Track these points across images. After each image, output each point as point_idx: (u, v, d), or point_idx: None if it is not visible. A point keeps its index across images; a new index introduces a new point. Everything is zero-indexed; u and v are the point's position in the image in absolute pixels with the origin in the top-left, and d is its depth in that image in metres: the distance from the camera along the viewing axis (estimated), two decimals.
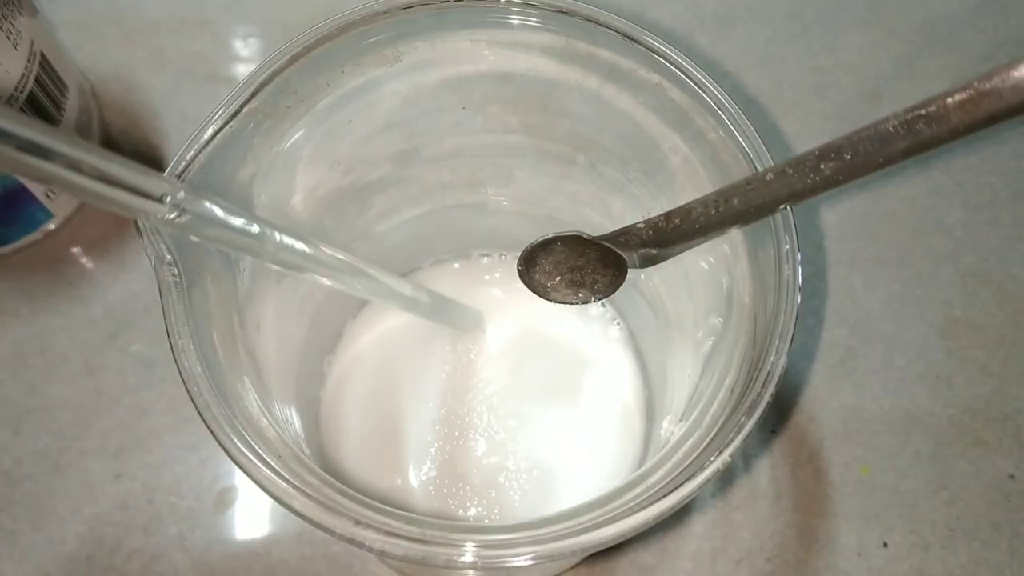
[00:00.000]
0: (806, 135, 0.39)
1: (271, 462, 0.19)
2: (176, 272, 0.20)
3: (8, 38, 0.30)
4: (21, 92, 0.31)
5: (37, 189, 0.34)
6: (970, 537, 0.32)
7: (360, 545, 0.18)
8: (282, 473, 0.19)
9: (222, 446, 0.19)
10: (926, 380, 0.34)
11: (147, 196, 0.17)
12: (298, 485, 0.19)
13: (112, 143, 0.38)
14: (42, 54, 0.32)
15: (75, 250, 0.36)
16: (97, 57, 0.40)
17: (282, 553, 0.31)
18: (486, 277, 0.34)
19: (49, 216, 0.35)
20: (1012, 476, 0.33)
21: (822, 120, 0.40)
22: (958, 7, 0.43)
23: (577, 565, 0.31)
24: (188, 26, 0.41)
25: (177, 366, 0.20)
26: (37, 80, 0.32)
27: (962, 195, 0.38)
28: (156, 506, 0.31)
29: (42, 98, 0.32)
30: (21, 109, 0.31)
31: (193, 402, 0.19)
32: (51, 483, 0.32)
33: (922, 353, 0.35)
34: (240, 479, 0.32)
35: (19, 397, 0.33)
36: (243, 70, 0.40)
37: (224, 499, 0.32)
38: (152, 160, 0.38)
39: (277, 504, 0.31)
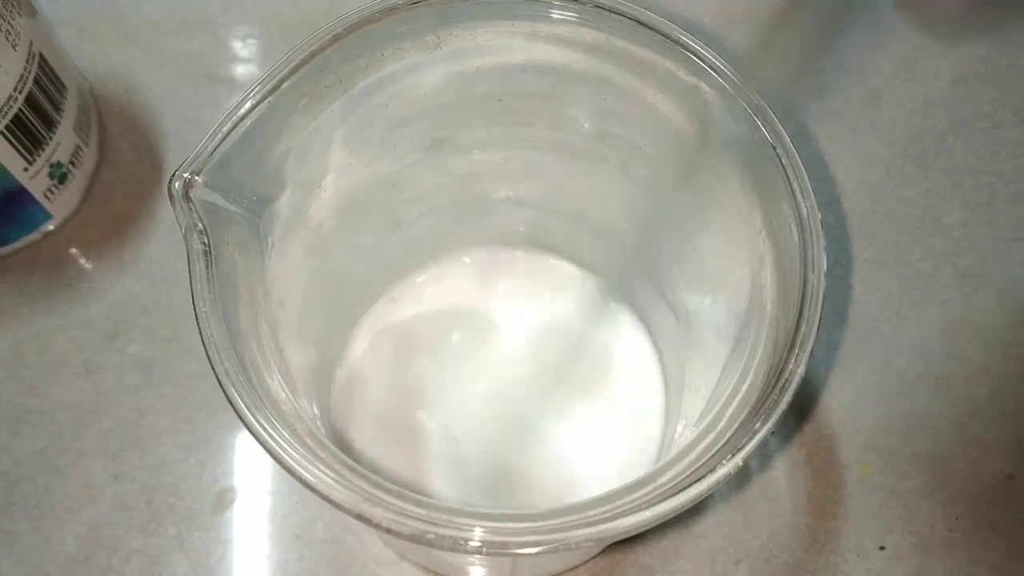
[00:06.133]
0: (805, 135, 0.39)
1: (285, 434, 0.19)
2: (206, 241, 0.20)
3: (7, 39, 0.30)
4: (20, 93, 0.31)
5: (36, 189, 0.34)
6: (969, 538, 0.32)
7: (368, 522, 0.18)
8: (296, 446, 0.19)
9: (238, 413, 0.19)
10: (925, 381, 0.34)
11: None
12: (310, 459, 0.19)
13: (111, 144, 0.38)
14: (41, 55, 0.32)
15: (73, 251, 0.36)
16: (96, 58, 0.40)
17: (281, 554, 0.31)
18: (512, 270, 0.34)
19: (48, 217, 0.35)
20: (1011, 476, 0.33)
21: (821, 120, 0.40)
22: (958, 7, 0.43)
23: (577, 567, 0.31)
24: (187, 27, 0.41)
25: (200, 333, 0.20)
26: (36, 81, 0.32)
27: (961, 195, 0.38)
28: (155, 507, 0.31)
29: (41, 99, 0.32)
30: (20, 110, 0.31)
31: (213, 369, 0.19)
32: (50, 484, 0.32)
33: (921, 354, 0.35)
34: (239, 480, 0.32)
35: (17, 398, 0.33)
36: (242, 70, 0.40)
37: (223, 500, 0.32)
38: (152, 160, 0.38)
39: (276, 504, 0.31)
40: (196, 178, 0.21)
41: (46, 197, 0.34)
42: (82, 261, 0.36)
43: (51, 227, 0.36)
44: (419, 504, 0.18)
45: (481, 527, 0.18)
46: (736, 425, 0.20)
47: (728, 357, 0.23)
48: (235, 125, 0.22)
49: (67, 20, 0.41)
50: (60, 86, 0.34)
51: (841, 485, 0.32)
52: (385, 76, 0.25)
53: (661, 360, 0.32)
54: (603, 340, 0.32)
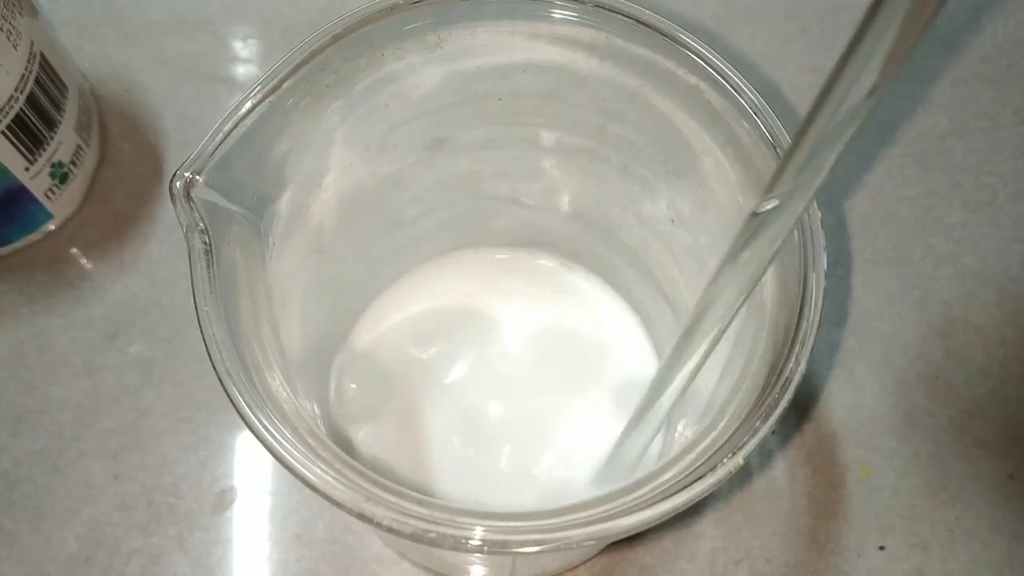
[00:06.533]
0: None
1: (287, 433, 0.19)
2: (207, 240, 0.20)
3: (8, 39, 0.30)
4: (21, 93, 0.31)
5: (37, 189, 0.34)
6: (969, 538, 0.32)
7: (369, 521, 0.18)
8: (297, 445, 0.19)
9: (239, 413, 0.19)
10: (925, 381, 0.34)
11: None
12: (312, 458, 0.19)
13: (112, 144, 0.38)
14: (42, 55, 0.32)
15: (74, 251, 0.36)
16: (97, 58, 0.40)
17: (281, 554, 0.31)
18: (512, 270, 0.34)
19: (49, 217, 0.35)
20: (1011, 476, 0.33)
21: None
22: (958, 7, 0.43)
23: (577, 566, 0.31)
24: (187, 27, 0.41)
25: (201, 333, 0.20)
26: (37, 81, 0.32)
27: (961, 195, 0.38)
28: (155, 507, 0.31)
29: (42, 99, 0.32)
30: (21, 110, 0.31)
31: (215, 369, 0.19)
32: (50, 484, 0.32)
33: (921, 354, 0.35)
34: (239, 480, 0.32)
35: (18, 398, 0.33)
36: (242, 71, 0.40)
37: (223, 500, 0.32)
38: (153, 160, 0.38)
39: (277, 504, 0.31)
40: (197, 178, 0.21)
41: (47, 197, 0.34)
42: (83, 261, 0.36)
43: (52, 227, 0.36)
44: (420, 503, 0.19)
45: (482, 526, 0.18)
46: (737, 424, 0.20)
47: (728, 356, 0.23)
48: (236, 125, 0.22)
49: (68, 20, 0.41)
50: (61, 86, 0.34)
51: (841, 485, 0.32)
52: (385, 76, 0.25)
53: (661, 359, 0.32)
54: (603, 339, 0.32)
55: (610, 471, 0.28)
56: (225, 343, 0.20)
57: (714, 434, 0.20)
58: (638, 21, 0.23)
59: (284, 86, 0.22)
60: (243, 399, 0.19)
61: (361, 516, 0.18)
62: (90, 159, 0.36)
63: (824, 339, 0.35)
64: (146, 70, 0.40)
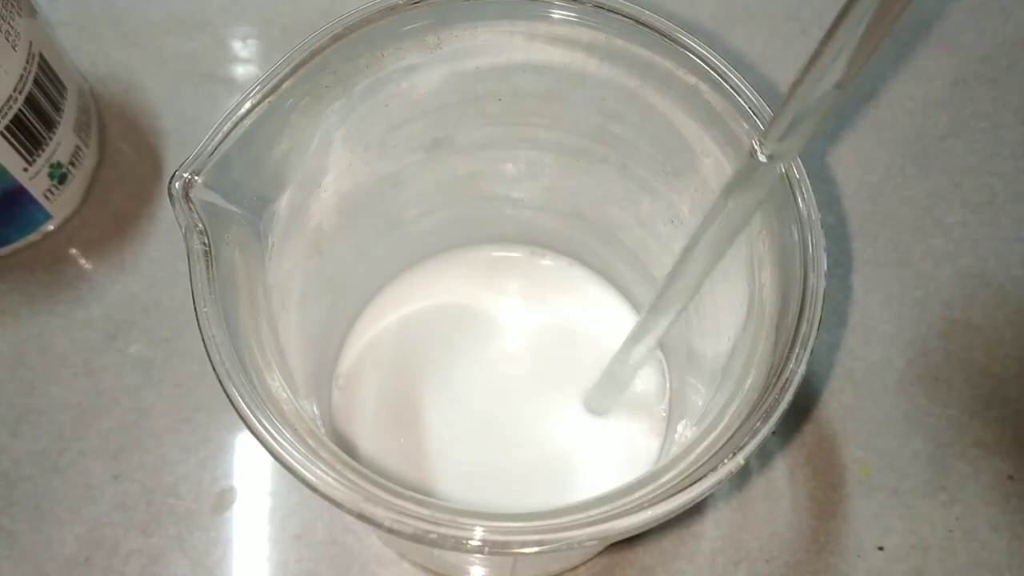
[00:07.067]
0: None
1: (287, 434, 0.19)
2: (206, 241, 0.20)
3: (7, 39, 0.30)
4: (20, 93, 0.31)
5: (36, 189, 0.34)
6: (969, 538, 0.32)
7: (370, 521, 0.18)
8: (297, 446, 0.19)
9: (239, 413, 0.19)
10: (925, 381, 0.34)
11: None
12: (312, 459, 0.19)
13: (111, 144, 0.38)
14: (41, 55, 0.32)
15: (74, 251, 0.36)
16: (95, 58, 0.40)
17: (281, 555, 0.31)
18: (512, 270, 0.34)
19: (48, 217, 0.35)
20: (1011, 477, 0.33)
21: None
22: (958, 7, 0.43)
23: (577, 566, 0.31)
24: (186, 27, 0.41)
25: (201, 334, 0.20)
26: (36, 81, 0.32)
27: (961, 196, 0.38)
28: (155, 507, 0.31)
29: (41, 99, 0.32)
30: (20, 110, 0.31)
31: (214, 369, 0.19)
32: (50, 484, 0.32)
33: (921, 354, 0.35)
34: (239, 480, 0.32)
35: (18, 398, 0.33)
36: (242, 71, 0.40)
37: (223, 500, 0.32)
38: (152, 160, 0.38)
39: (276, 504, 0.31)
40: (196, 178, 0.21)
41: (46, 197, 0.34)
42: (82, 261, 0.36)
43: (51, 227, 0.36)
44: (421, 504, 0.18)
45: (482, 527, 0.18)
46: (737, 425, 0.20)
47: (728, 357, 0.23)
48: (235, 125, 0.22)
49: (67, 20, 0.41)
50: (60, 86, 0.34)
51: (841, 485, 0.32)
52: (385, 76, 0.25)
53: (661, 359, 0.32)
54: (603, 339, 0.32)
55: (602, 389, 0.29)
56: (224, 343, 0.20)
57: (715, 435, 0.20)
58: (637, 21, 0.23)
59: (283, 86, 0.22)
60: (243, 400, 0.19)
61: (361, 516, 0.18)
62: (89, 159, 0.36)
63: (824, 339, 0.35)
64: (145, 70, 0.40)
